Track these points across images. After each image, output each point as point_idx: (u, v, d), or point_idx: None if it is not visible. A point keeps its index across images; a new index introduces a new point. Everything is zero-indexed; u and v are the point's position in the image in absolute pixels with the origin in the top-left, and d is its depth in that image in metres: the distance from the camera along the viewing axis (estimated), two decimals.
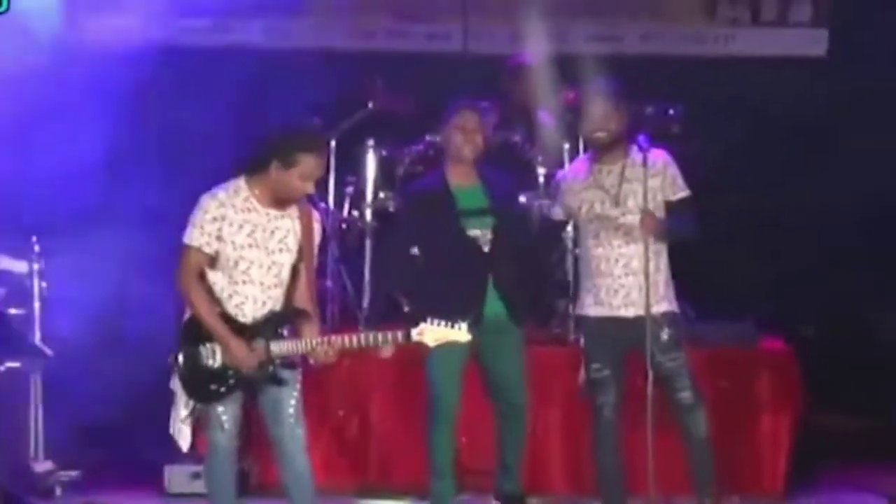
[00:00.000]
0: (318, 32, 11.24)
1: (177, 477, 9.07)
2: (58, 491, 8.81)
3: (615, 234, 7.91)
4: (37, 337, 8.84)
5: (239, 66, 10.63)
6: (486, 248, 8.09)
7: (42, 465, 8.79)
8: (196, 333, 7.19)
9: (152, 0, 10.96)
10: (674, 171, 8.03)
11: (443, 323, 7.27)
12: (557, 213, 8.31)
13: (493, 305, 7.99)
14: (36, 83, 9.74)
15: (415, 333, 7.25)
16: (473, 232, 8.05)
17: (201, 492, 7.90)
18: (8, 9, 9.37)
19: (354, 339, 7.40)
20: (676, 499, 8.24)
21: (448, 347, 7.66)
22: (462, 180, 8.13)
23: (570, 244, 9.36)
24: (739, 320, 9.28)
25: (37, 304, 8.98)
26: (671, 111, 9.48)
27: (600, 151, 8.02)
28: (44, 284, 9.03)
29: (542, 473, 8.98)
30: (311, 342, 7.23)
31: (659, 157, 8.02)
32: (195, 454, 8.23)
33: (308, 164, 7.14)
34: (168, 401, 7.94)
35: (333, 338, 7.35)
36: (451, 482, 8.14)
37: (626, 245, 7.88)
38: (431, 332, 7.27)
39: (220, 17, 11.05)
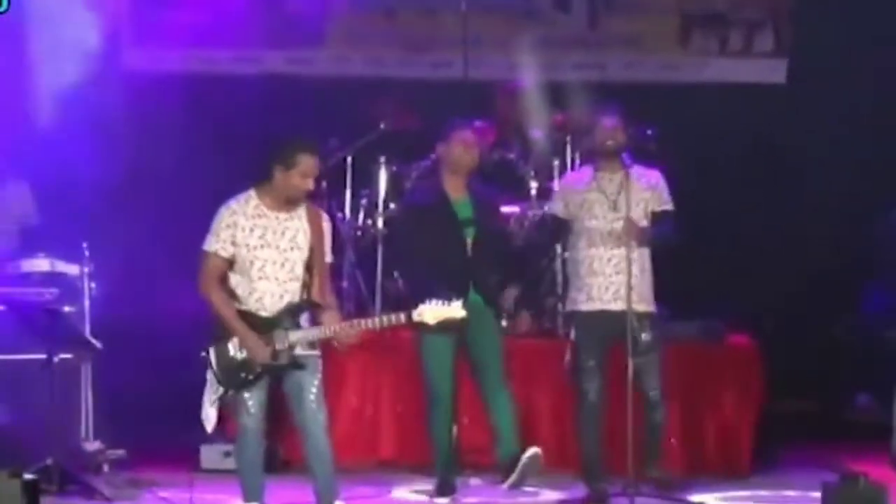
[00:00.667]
0: (334, 62, 11.17)
1: (210, 455, 9.34)
2: (105, 468, 8.98)
3: (608, 237, 8.22)
4: (87, 331, 8.95)
5: (263, 91, 10.83)
6: (469, 253, 8.41)
7: (92, 445, 8.94)
8: (224, 330, 7.50)
9: (183, 32, 10.83)
10: (663, 186, 8.43)
11: (439, 302, 7.56)
12: (556, 208, 8.54)
13: (473, 298, 8.23)
14: (76, 104, 9.84)
15: (415, 314, 7.52)
16: (468, 250, 8.43)
17: (232, 468, 8.07)
18: (8, 9, 9.15)
19: (366, 322, 7.67)
20: (662, 474, 8.43)
21: (439, 343, 8.18)
22: (455, 192, 8.41)
23: (558, 249, 9.42)
24: (709, 318, 9.47)
25: (86, 302, 9.09)
26: (649, 132, 9.49)
27: (604, 161, 8.35)
28: (92, 285, 9.16)
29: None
30: (330, 328, 7.46)
31: (653, 175, 8.43)
32: (227, 435, 8.53)
33: (307, 162, 7.43)
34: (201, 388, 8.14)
35: (346, 323, 7.62)
36: (452, 460, 8.38)
37: (617, 247, 8.19)
38: (430, 312, 7.54)
39: (246, 48, 11.21)
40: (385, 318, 7.67)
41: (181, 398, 8.77)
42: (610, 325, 8.18)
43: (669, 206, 8.43)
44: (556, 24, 11.36)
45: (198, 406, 8.42)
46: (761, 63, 11.52)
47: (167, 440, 9.62)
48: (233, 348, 7.48)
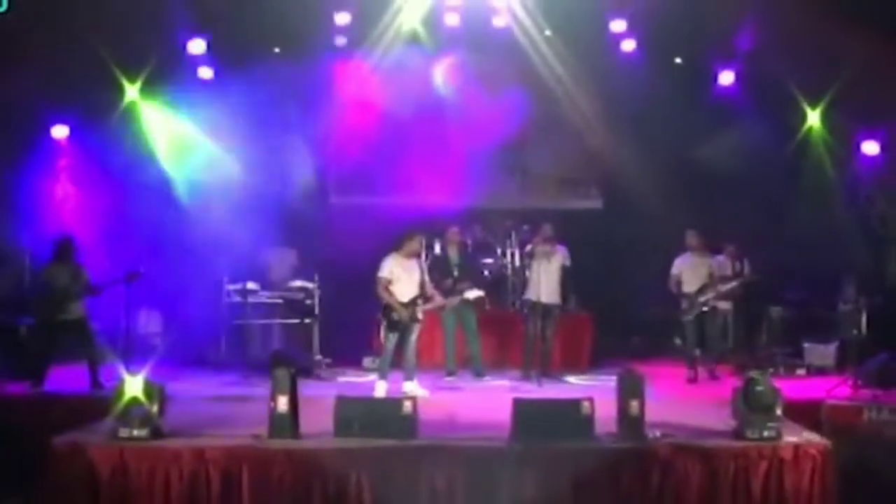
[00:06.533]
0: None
1: (368, 361, 12.99)
2: (323, 366, 12.46)
3: (545, 269, 11.81)
4: (316, 310, 12.78)
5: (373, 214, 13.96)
6: (455, 276, 11.83)
7: (317, 356, 12.58)
8: (390, 308, 10.85)
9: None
10: (566, 253, 12.04)
11: (473, 290, 11.38)
12: (530, 250, 11.88)
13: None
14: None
15: (465, 294, 11.42)
16: (455, 273, 11.97)
17: (375, 368, 11.54)
18: (8, 9, 8.55)
19: (447, 300, 11.44)
20: (551, 371, 12.03)
21: (449, 313, 11.64)
22: (454, 252, 12.26)
23: (511, 278, 13.87)
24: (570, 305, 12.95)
25: (317, 299, 12.85)
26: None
27: (543, 242, 11.86)
28: (317, 286, 12.86)
29: (502, 360, 13.04)
30: (431, 304, 10.94)
31: (563, 248, 12.00)
32: (374, 353, 12.43)
33: (415, 238, 10.94)
34: (367, 330, 12.74)
35: (438, 301, 11.11)
36: (454, 365, 12.15)
37: (547, 273, 11.77)
38: (470, 293, 11.43)
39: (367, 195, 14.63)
40: (452, 299, 11.54)
41: (357, 338, 13.18)
42: (541, 306, 11.77)
43: (568, 263, 12.10)
44: (504, 186, 15.11)
45: (362, 342, 12.84)
46: (592, 199, 15.18)
47: (349, 355, 13.25)
48: (394, 315, 10.89)
